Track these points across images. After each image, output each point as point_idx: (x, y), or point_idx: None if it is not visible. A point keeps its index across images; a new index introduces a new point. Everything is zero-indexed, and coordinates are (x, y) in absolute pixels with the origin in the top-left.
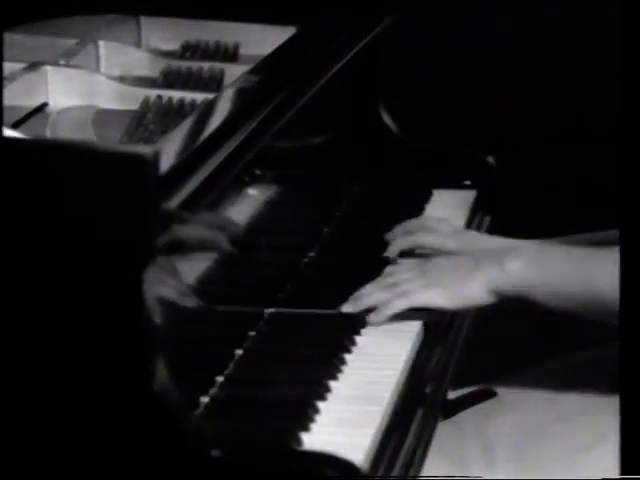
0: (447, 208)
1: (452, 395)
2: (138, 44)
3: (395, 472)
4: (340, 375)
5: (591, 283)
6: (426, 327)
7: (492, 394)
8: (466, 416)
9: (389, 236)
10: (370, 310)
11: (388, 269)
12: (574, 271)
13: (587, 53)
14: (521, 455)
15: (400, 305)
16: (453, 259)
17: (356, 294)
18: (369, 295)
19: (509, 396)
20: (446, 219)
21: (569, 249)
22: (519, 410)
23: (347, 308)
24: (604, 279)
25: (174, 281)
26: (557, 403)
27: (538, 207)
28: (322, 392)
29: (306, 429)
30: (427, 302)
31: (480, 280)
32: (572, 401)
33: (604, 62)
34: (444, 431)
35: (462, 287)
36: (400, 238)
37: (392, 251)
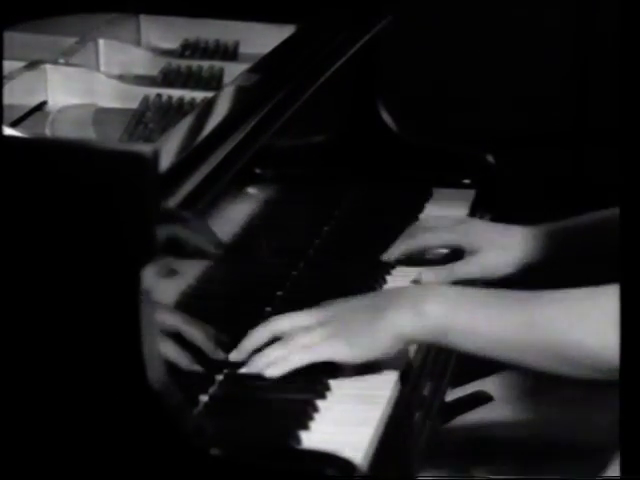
0: (447, 207)
1: (449, 397)
2: (138, 42)
3: (394, 471)
4: (340, 374)
5: (540, 330)
6: None
7: (488, 399)
8: (464, 420)
9: (385, 257)
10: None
11: (276, 317)
12: (513, 314)
13: (587, 53)
14: (520, 456)
15: (300, 360)
16: (358, 302)
17: (246, 345)
18: (264, 353)
19: (507, 397)
20: (445, 216)
21: (506, 292)
22: (517, 411)
23: (232, 355)
24: (547, 326)
25: (174, 280)
26: (555, 403)
27: (538, 206)
28: (321, 391)
29: (305, 428)
30: (329, 356)
31: (388, 326)
32: (571, 401)
33: (604, 62)
34: (443, 431)
35: (367, 336)
36: (399, 242)
37: (392, 254)
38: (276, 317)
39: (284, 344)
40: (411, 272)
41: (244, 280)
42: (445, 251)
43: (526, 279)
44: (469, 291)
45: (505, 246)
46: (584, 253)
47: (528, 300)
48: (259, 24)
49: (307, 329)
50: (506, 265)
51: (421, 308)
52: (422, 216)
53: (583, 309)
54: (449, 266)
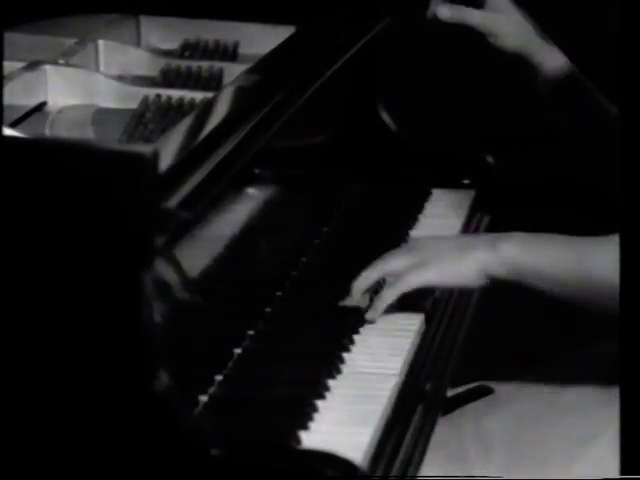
0: (446, 207)
1: (449, 392)
2: (137, 43)
3: (394, 471)
4: (339, 374)
5: (584, 269)
6: (425, 325)
7: (489, 391)
8: (464, 413)
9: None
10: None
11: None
12: (567, 256)
13: (587, 53)
14: (519, 452)
15: (391, 295)
16: (442, 240)
17: (356, 287)
18: (358, 280)
19: (507, 393)
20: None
21: (563, 236)
22: (517, 406)
23: (343, 301)
24: (598, 266)
25: (173, 280)
26: (555, 399)
27: (538, 206)
28: (321, 391)
29: (305, 428)
30: (419, 282)
31: (472, 260)
32: (570, 397)
33: (604, 62)
34: (442, 428)
35: (454, 265)
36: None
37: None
38: (376, 261)
39: (375, 269)
40: None
41: (244, 280)
42: None
43: None
44: (540, 235)
45: (496, 247)
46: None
47: (584, 243)
48: (258, 25)
49: (398, 255)
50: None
51: (498, 246)
52: (418, 226)
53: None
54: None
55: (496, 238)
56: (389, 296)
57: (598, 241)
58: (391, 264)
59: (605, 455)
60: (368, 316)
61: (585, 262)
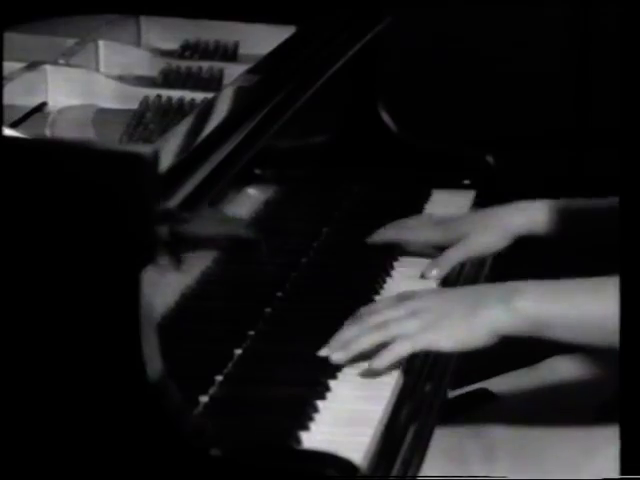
0: (446, 208)
1: (450, 395)
2: (138, 43)
3: (394, 471)
4: (339, 374)
5: (608, 312)
6: None
7: (490, 396)
8: (465, 417)
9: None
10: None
11: (365, 309)
12: (594, 302)
13: (587, 53)
14: (521, 456)
15: (403, 350)
16: (451, 296)
17: (342, 337)
18: (358, 340)
19: (508, 396)
20: (427, 214)
21: (584, 280)
22: (518, 411)
23: (337, 355)
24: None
25: (173, 281)
26: (557, 404)
27: None
28: (321, 391)
29: (305, 428)
30: (429, 346)
31: (484, 321)
32: (573, 401)
33: (604, 62)
34: (443, 431)
35: (464, 329)
36: (382, 231)
37: (374, 240)
38: (366, 309)
39: (377, 331)
40: (410, 273)
41: (244, 281)
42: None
43: (520, 254)
44: (553, 283)
45: (489, 224)
46: (580, 233)
47: (603, 284)
48: (259, 25)
49: (401, 320)
50: (497, 240)
51: (512, 305)
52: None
53: None
54: (445, 254)
55: (509, 294)
56: (396, 354)
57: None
58: (397, 330)
59: (610, 466)
60: (374, 366)
61: (615, 305)
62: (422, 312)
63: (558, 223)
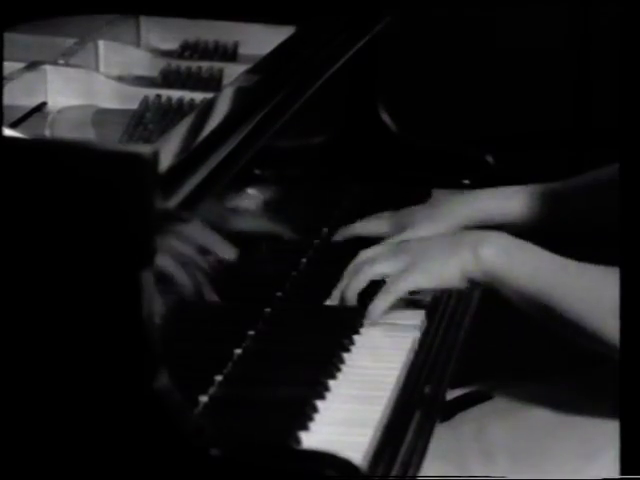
0: None
1: (449, 396)
2: (137, 43)
3: (394, 471)
4: (339, 374)
5: (555, 294)
6: (426, 325)
7: (487, 397)
8: (465, 418)
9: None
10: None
11: (364, 251)
12: (542, 277)
13: (587, 53)
14: (521, 458)
15: (387, 301)
16: (430, 241)
17: (340, 286)
18: (348, 287)
19: (508, 399)
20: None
21: (552, 255)
22: (518, 413)
23: (331, 302)
24: (570, 294)
25: (173, 281)
26: (557, 406)
27: None
28: (321, 391)
29: (305, 428)
30: (409, 286)
31: (455, 263)
32: (572, 404)
33: (604, 62)
34: (443, 433)
35: (439, 267)
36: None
37: (338, 238)
38: (361, 255)
39: (366, 273)
40: None
41: (244, 281)
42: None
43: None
44: (523, 242)
45: (477, 252)
46: (570, 219)
47: (566, 267)
48: (258, 25)
49: (388, 259)
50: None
51: (478, 252)
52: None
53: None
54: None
55: (479, 241)
56: (383, 303)
57: (585, 268)
58: (380, 268)
59: (610, 465)
60: (367, 322)
61: (562, 286)
62: (402, 253)
63: (550, 209)
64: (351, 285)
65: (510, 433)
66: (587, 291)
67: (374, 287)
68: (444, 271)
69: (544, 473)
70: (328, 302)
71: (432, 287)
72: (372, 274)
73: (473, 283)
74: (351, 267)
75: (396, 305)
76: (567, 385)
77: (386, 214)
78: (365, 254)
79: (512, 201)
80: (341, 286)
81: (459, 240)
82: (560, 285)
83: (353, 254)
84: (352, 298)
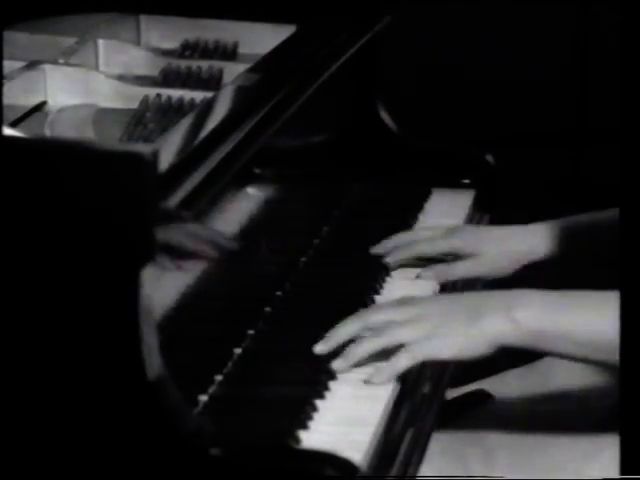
0: (446, 207)
1: (449, 396)
2: (137, 43)
3: (393, 471)
4: (339, 374)
5: (611, 328)
6: None
7: (488, 397)
8: (464, 419)
9: (377, 249)
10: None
11: (372, 309)
12: (593, 316)
13: (587, 53)
14: (520, 457)
15: (402, 366)
16: (451, 303)
17: (339, 333)
18: (358, 345)
19: (507, 397)
20: (438, 226)
21: (592, 293)
22: (517, 412)
23: (337, 364)
24: (607, 322)
25: (173, 280)
26: (557, 405)
27: (537, 206)
28: (321, 391)
29: (305, 428)
30: (431, 355)
31: (484, 331)
32: (572, 403)
33: (604, 62)
34: (442, 432)
35: (463, 339)
36: (395, 251)
37: (390, 263)
38: (366, 310)
39: (378, 336)
40: (411, 273)
41: (244, 280)
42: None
43: (527, 277)
44: (556, 293)
45: (502, 246)
46: (583, 252)
47: (610, 297)
48: (258, 24)
49: (401, 326)
50: (506, 266)
51: (513, 315)
52: (417, 226)
53: None
54: (448, 266)
55: (510, 305)
56: (397, 368)
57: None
58: (401, 334)
59: (609, 464)
60: (374, 380)
61: (610, 321)
62: (422, 319)
63: (559, 245)
64: (366, 347)
65: (510, 433)
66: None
67: None
68: (470, 342)
69: (544, 473)
70: (319, 346)
71: (454, 358)
72: (392, 340)
73: (504, 349)
74: (356, 323)
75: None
76: (567, 385)
77: (445, 231)
78: (376, 313)
79: (546, 238)
80: (341, 333)
81: (484, 304)
82: (610, 314)
83: (353, 253)
84: (356, 359)
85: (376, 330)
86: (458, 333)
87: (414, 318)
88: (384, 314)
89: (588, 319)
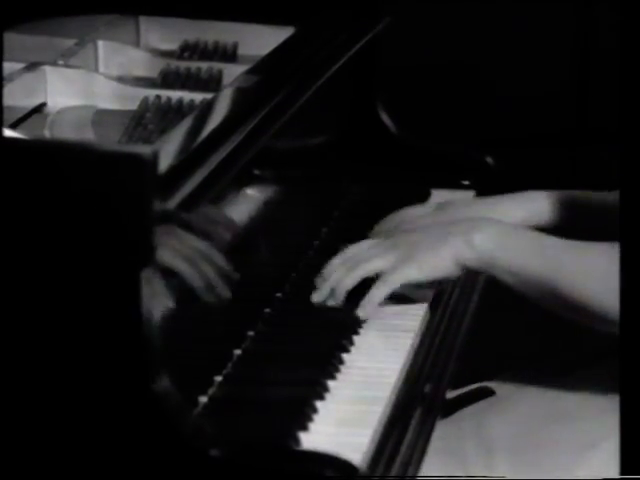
0: None
1: (450, 394)
2: (137, 44)
3: (393, 472)
4: (338, 375)
5: (556, 275)
6: (424, 327)
7: (490, 393)
8: (465, 415)
9: (372, 234)
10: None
11: (352, 247)
12: (541, 258)
13: (587, 53)
14: (521, 455)
15: (381, 294)
16: (421, 231)
17: (326, 278)
18: (341, 283)
19: (508, 395)
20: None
21: (544, 235)
22: (518, 409)
23: (317, 297)
24: (571, 275)
25: (173, 281)
26: (557, 402)
27: None
28: (320, 392)
29: (304, 429)
30: (403, 279)
31: (447, 252)
32: (572, 400)
33: (604, 62)
34: (443, 430)
35: (431, 258)
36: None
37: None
38: (349, 248)
39: (358, 270)
40: None
41: (243, 281)
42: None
43: None
44: (515, 227)
45: (497, 214)
46: (582, 220)
47: (563, 248)
48: (258, 26)
49: (376, 255)
50: (469, 257)
51: (471, 238)
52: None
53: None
54: None
55: (471, 228)
56: (377, 297)
57: (582, 247)
58: (376, 264)
59: (608, 461)
60: (361, 315)
61: (561, 269)
62: (394, 248)
63: (559, 214)
64: (345, 281)
65: (510, 430)
66: (591, 268)
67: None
68: (437, 261)
69: (544, 470)
70: (314, 295)
71: (426, 278)
72: (367, 270)
73: (469, 270)
74: (338, 262)
75: (396, 305)
76: (567, 382)
77: (430, 209)
78: (354, 249)
79: (545, 204)
80: (332, 281)
81: (449, 229)
82: (561, 264)
83: None
84: (342, 294)
85: (354, 263)
86: (426, 255)
87: (388, 247)
88: (360, 248)
89: (532, 252)
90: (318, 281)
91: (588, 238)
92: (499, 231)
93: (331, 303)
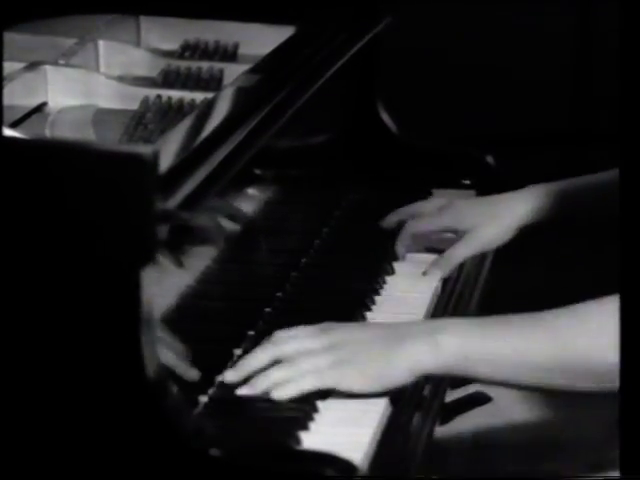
0: None
1: (448, 399)
2: (137, 44)
3: (394, 471)
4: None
5: (555, 348)
6: None
7: (487, 399)
8: (464, 420)
9: (384, 223)
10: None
11: (281, 333)
12: (518, 338)
13: (587, 53)
14: (520, 459)
15: (309, 384)
16: (369, 331)
17: (245, 366)
18: (267, 375)
19: (507, 401)
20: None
21: (517, 316)
22: (516, 416)
23: (231, 377)
24: (570, 344)
25: (173, 281)
26: (557, 410)
27: None
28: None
29: (305, 428)
30: (338, 385)
31: (405, 358)
32: (570, 405)
33: (604, 62)
34: (442, 432)
35: (380, 367)
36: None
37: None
38: (278, 336)
39: (289, 367)
40: (411, 271)
41: (244, 281)
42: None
43: (524, 241)
44: (482, 319)
45: (496, 216)
46: (580, 212)
47: (545, 320)
48: (259, 25)
49: (312, 353)
50: (503, 233)
51: (436, 340)
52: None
53: (600, 323)
54: (449, 253)
55: (433, 330)
56: (306, 385)
57: (567, 312)
58: (306, 366)
59: (608, 466)
60: (275, 395)
61: (563, 339)
62: (337, 347)
63: (561, 206)
64: (272, 377)
65: (509, 434)
66: (555, 340)
67: None
68: (387, 370)
69: (544, 473)
70: (228, 374)
71: (367, 391)
72: (295, 371)
73: (425, 376)
74: (263, 354)
75: (393, 306)
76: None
77: (434, 205)
78: (292, 345)
79: (557, 198)
80: (250, 363)
81: (406, 333)
82: (553, 338)
83: (353, 253)
84: (244, 372)
85: (286, 360)
86: (374, 361)
87: (328, 347)
88: (297, 343)
89: (509, 341)
90: (241, 363)
91: (589, 227)
92: (463, 326)
93: (246, 391)
